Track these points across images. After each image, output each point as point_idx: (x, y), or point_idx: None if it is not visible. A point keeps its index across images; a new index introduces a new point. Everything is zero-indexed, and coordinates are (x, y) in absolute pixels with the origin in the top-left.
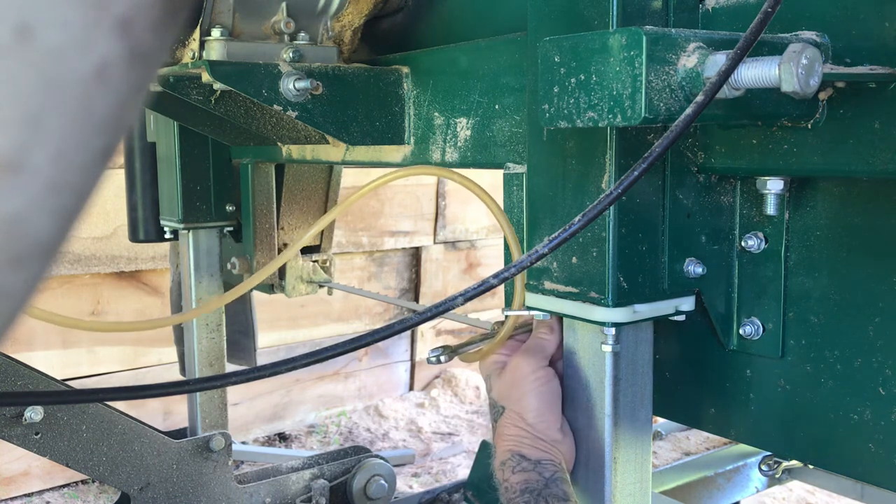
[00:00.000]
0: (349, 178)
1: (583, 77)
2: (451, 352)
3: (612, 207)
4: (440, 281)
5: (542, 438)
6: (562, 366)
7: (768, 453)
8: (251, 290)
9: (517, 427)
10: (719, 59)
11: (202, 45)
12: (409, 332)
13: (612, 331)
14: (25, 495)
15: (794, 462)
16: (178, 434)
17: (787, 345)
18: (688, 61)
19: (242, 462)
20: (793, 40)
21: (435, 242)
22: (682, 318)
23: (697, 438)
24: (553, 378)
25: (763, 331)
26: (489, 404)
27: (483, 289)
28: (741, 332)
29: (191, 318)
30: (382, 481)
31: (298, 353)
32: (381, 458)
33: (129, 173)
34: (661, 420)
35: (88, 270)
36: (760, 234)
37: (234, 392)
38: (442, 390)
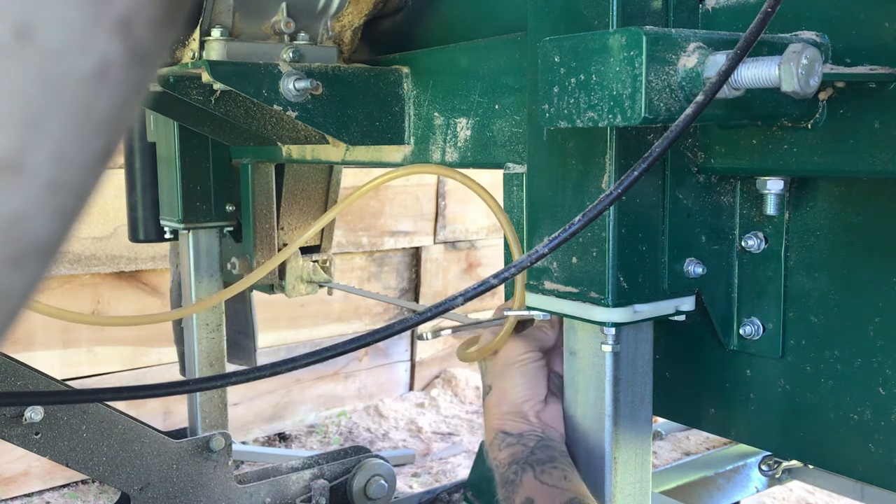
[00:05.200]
0: (349, 178)
1: (583, 77)
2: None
3: (612, 207)
4: (440, 281)
5: (525, 412)
6: (559, 364)
7: (768, 453)
8: (252, 291)
9: (500, 405)
10: (719, 59)
11: (202, 45)
12: (409, 332)
13: (612, 331)
14: (25, 495)
15: (794, 462)
16: (178, 434)
17: (787, 345)
18: (688, 61)
19: (242, 462)
20: (793, 40)
21: (435, 242)
22: (682, 318)
23: (697, 438)
24: (539, 360)
25: (763, 331)
26: (482, 399)
27: (483, 289)
28: (741, 332)
29: (191, 313)
30: (382, 481)
31: (298, 353)
32: (381, 458)
33: (129, 173)
34: (661, 420)
35: (88, 270)
36: (760, 234)
37: (234, 392)
38: (442, 390)
